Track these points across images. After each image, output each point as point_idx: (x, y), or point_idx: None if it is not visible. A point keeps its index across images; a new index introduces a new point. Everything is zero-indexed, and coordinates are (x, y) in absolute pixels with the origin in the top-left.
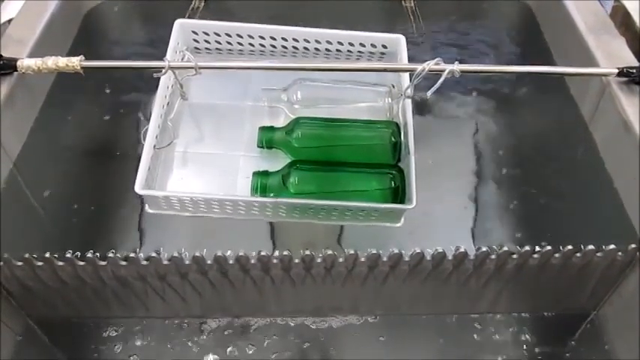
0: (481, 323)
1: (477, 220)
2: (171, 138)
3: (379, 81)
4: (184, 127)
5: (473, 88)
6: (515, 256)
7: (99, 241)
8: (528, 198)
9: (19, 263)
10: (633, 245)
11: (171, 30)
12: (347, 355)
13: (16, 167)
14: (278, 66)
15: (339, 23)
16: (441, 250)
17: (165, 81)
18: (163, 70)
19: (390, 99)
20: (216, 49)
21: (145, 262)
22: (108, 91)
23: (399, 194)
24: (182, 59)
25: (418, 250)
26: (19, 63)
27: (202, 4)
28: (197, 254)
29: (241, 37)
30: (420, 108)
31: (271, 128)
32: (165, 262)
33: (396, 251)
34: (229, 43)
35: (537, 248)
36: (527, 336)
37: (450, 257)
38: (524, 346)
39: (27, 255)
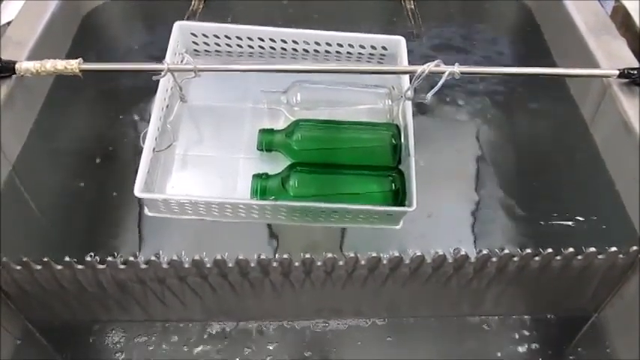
0: (482, 325)
1: (477, 222)
2: (170, 140)
3: (379, 83)
4: (184, 130)
5: (473, 90)
6: (516, 258)
7: (98, 244)
8: (529, 200)
9: (18, 267)
10: (634, 247)
11: (170, 32)
12: (348, 357)
13: (15, 170)
14: (277, 68)
15: (338, 24)
16: (441, 253)
17: (165, 83)
18: (162, 73)
19: (390, 101)
20: (216, 51)
21: (144, 266)
22: (107, 93)
23: (399, 197)
24: (181, 61)
25: (419, 253)
26: (17, 65)
27: (202, 5)
28: (197, 257)
29: (240, 39)
30: (421, 110)
31: (271, 131)
32: (165, 266)
33: (397, 254)
34: (229, 45)
35: (539, 251)
36: (529, 338)
37: (451, 260)
38: (526, 349)
39: (26, 259)
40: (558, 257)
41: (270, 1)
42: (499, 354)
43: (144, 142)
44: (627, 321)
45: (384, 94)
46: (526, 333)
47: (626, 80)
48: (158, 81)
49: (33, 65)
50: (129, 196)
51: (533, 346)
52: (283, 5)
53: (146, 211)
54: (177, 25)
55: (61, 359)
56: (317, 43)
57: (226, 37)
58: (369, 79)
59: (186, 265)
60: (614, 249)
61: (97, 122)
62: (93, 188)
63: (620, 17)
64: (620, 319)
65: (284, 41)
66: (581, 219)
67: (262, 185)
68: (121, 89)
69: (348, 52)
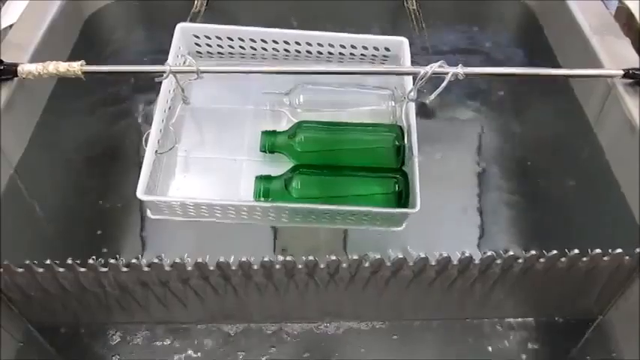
0: (485, 328)
1: (482, 224)
2: (173, 142)
3: (382, 84)
4: (186, 132)
5: (477, 91)
6: (520, 260)
7: (100, 246)
8: (533, 201)
9: (20, 269)
10: None
11: (172, 34)
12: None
13: (16, 173)
14: (280, 70)
15: (341, 25)
16: (445, 255)
17: (167, 85)
18: (165, 75)
19: (393, 102)
20: (218, 52)
21: (146, 269)
22: (109, 95)
23: (402, 198)
24: (183, 63)
25: (423, 255)
26: (19, 68)
27: (204, 7)
28: (199, 260)
29: (243, 40)
30: (424, 111)
31: (274, 132)
32: (167, 268)
33: (401, 256)
34: (231, 46)
35: (543, 252)
36: (533, 341)
37: (455, 262)
38: (530, 351)
39: (27, 261)
40: (563, 259)
41: (272, 2)
42: (502, 357)
43: (146, 144)
44: (632, 323)
45: (387, 95)
46: (530, 335)
47: (631, 80)
48: (160, 83)
49: (35, 68)
50: (131, 198)
51: (537, 348)
52: (285, 6)
53: (148, 213)
54: (180, 27)
55: None
56: (319, 45)
57: (228, 38)
58: (372, 81)
59: (189, 268)
60: (619, 250)
61: (99, 125)
62: (95, 190)
63: (625, 17)
64: (626, 321)
65: (286, 43)
66: (586, 220)
67: (265, 187)
68: (124, 91)
69: (350, 54)
